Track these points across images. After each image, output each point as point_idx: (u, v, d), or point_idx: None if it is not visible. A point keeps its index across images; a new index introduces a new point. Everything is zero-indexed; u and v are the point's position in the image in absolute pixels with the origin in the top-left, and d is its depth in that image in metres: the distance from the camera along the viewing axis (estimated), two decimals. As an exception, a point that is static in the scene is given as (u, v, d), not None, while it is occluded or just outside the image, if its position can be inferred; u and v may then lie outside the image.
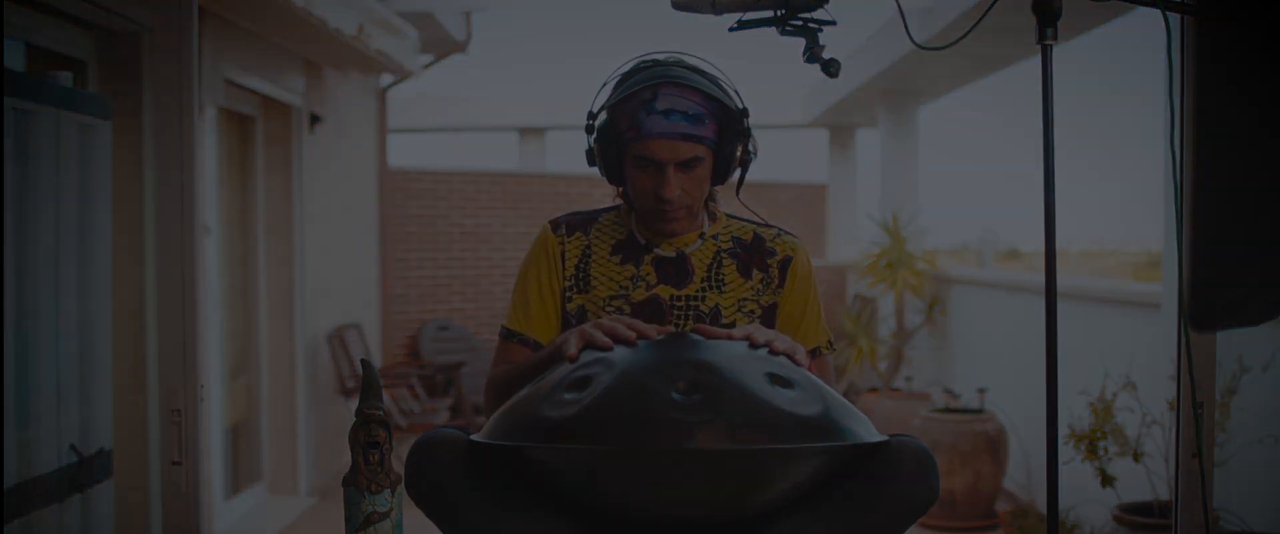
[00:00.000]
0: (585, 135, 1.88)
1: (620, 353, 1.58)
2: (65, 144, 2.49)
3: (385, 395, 4.79)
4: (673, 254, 1.89)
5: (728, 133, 1.82)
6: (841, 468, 1.56)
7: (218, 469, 4.88)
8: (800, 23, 1.78)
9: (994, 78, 7.48)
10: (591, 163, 1.88)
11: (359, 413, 1.63)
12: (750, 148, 1.86)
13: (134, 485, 3.69)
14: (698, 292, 1.87)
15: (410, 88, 8.04)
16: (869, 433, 1.56)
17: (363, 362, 1.64)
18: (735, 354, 1.57)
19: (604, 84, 1.86)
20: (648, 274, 1.88)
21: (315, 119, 5.91)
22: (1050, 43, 1.81)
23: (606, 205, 1.99)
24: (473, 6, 6.80)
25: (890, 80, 7.79)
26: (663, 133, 1.75)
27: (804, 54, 1.79)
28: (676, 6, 1.82)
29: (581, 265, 1.90)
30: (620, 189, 1.94)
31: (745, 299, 1.89)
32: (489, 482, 1.59)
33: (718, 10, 1.78)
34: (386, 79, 7.14)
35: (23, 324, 2.32)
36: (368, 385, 1.63)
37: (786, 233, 1.96)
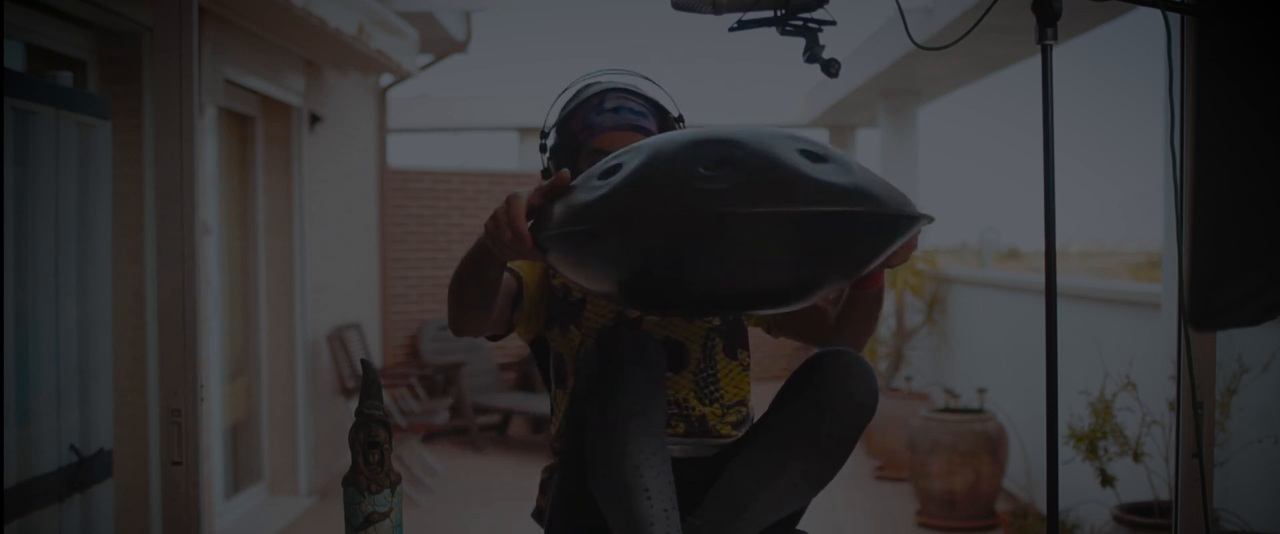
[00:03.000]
0: (540, 154, 1.97)
1: (650, 140, 1.59)
2: (65, 144, 2.49)
3: (385, 395, 4.81)
4: None
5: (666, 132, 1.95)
6: (877, 239, 1.53)
7: (218, 469, 4.88)
8: (800, 23, 1.78)
9: (994, 78, 7.48)
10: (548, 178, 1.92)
11: (359, 413, 1.63)
12: None
13: (134, 485, 3.70)
14: None
15: (410, 88, 8.06)
16: (907, 206, 1.53)
17: (363, 362, 1.64)
18: (765, 133, 1.56)
19: (552, 105, 1.96)
20: None
21: (315, 119, 5.91)
22: (1050, 43, 1.81)
23: None
24: (473, 6, 6.81)
25: (890, 80, 7.79)
26: (614, 125, 1.87)
27: (804, 54, 1.80)
28: (676, 6, 1.82)
29: None
30: None
31: None
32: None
33: (718, 10, 1.79)
34: (386, 79, 7.14)
35: (23, 324, 2.32)
36: (368, 385, 1.63)
37: None
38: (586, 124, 1.89)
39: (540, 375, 2.11)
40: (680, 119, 1.96)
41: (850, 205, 1.45)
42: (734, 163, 1.46)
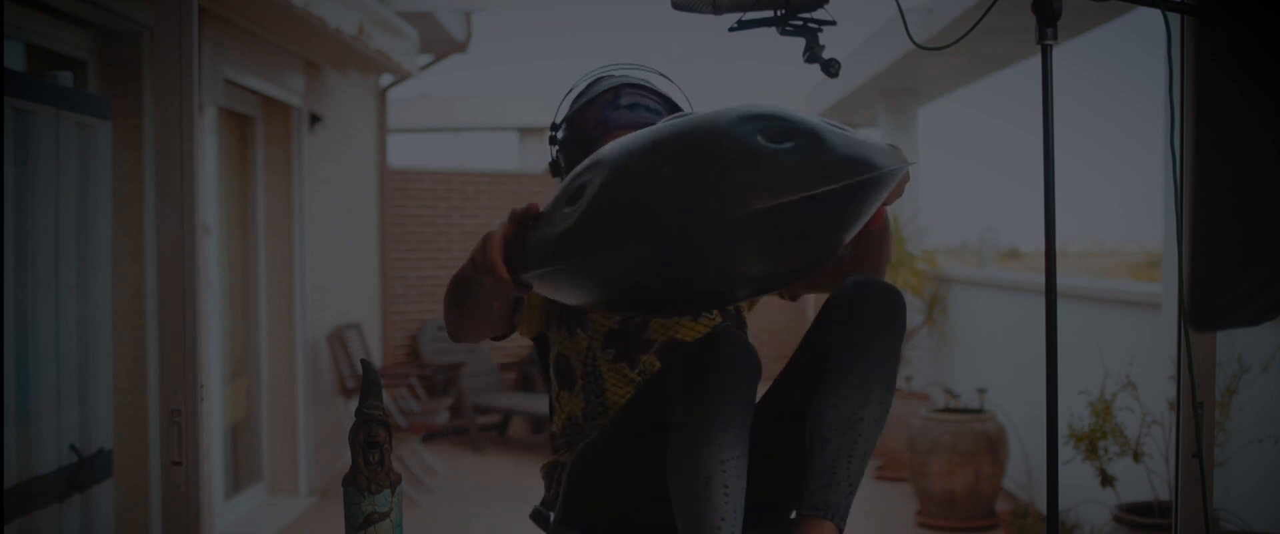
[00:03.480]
0: (549, 147, 1.95)
1: (609, 151, 1.51)
2: (65, 144, 2.49)
3: (385, 395, 4.80)
4: None
5: None
6: (861, 204, 1.47)
7: (218, 469, 4.88)
8: (800, 23, 1.78)
9: (994, 78, 7.48)
10: (556, 173, 1.93)
11: (359, 413, 1.63)
12: None
13: (134, 485, 3.70)
14: None
15: (410, 88, 8.07)
16: (884, 161, 1.46)
17: (363, 362, 1.64)
18: (721, 121, 1.47)
19: (564, 98, 1.94)
20: None
21: (315, 119, 5.91)
22: (1050, 43, 1.81)
23: None
24: (473, 6, 6.81)
25: (890, 80, 7.79)
26: (629, 122, 1.84)
27: (804, 54, 1.80)
28: (676, 6, 1.82)
29: None
30: None
31: None
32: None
33: (718, 10, 1.79)
34: (386, 79, 7.14)
35: (23, 324, 2.31)
36: (368, 385, 1.63)
37: None
38: (600, 119, 1.87)
39: (540, 374, 2.10)
40: None
41: (824, 184, 1.39)
42: (694, 167, 1.40)
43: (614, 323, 1.91)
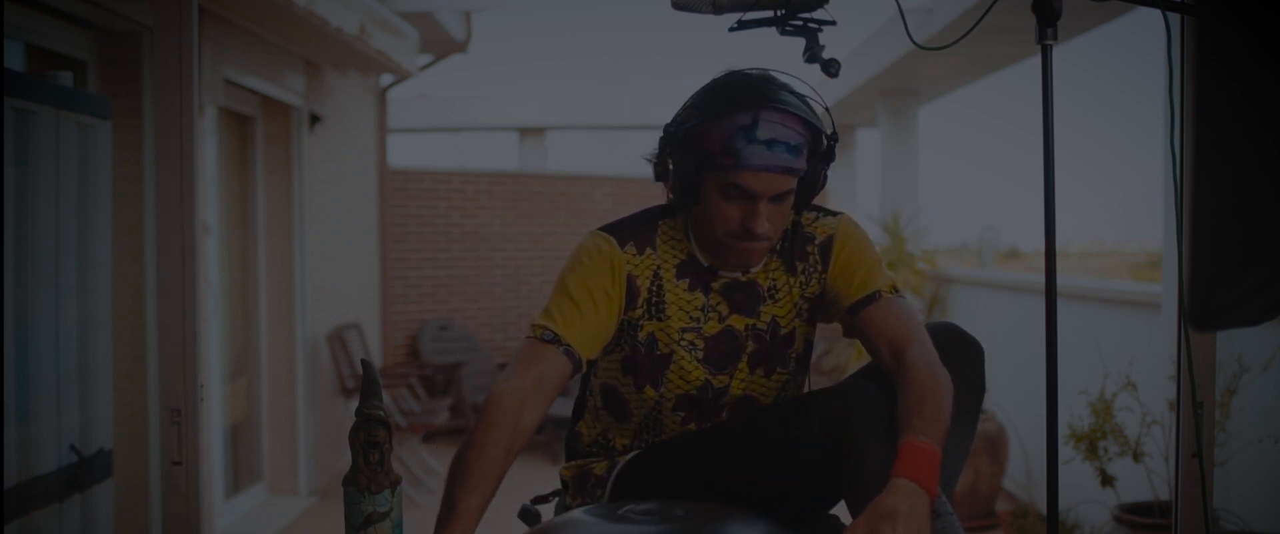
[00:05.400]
0: (661, 146, 1.73)
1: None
2: (65, 144, 2.49)
3: (385, 395, 4.78)
4: (741, 276, 1.80)
5: (815, 160, 1.73)
6: None
7: (218, 469, 4.88)
8: (800, 23, 1.78)
9: (994, 78, 7.49)
10: (659, 177, 1.75)
11: (359, 413, 1.63)
12: (827, 172, 1.78)
13: (134, 485, 3.70)
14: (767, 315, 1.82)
15: (410, 88, 8.07)
16: None
17: (363, 362, 1.64)
18: None
19: (691, 101, 1.72)
20: (718, 303, 1.79)
21: (315, 119, 5.91)
22: (1050, 43, 1.81)
23: (651, 208, 1.84)
24: (473, 6, 6.81)
25: (890, 80, 7.79)
26: (764, 166, 1.63)
27: (804, 54, 1.80)
28: (677, 6, 1.82)
29: (654, 287, 1.77)
30: (670, 191, 1.79)
31: (797, 301, 1.83)
32: None
33: (718, 10, 1.79)
34: (386, 79, 7.14)
35: (23, 324, 2.31)
36: (368, 385, 1.63)
37: (828, 214, 1.84)
38: (730, 150, 1.62)
39: (580, 384, 1.96)
40: (833, 137, 1.74)
41: None
42: None
43: (692, 389, 1.81)
